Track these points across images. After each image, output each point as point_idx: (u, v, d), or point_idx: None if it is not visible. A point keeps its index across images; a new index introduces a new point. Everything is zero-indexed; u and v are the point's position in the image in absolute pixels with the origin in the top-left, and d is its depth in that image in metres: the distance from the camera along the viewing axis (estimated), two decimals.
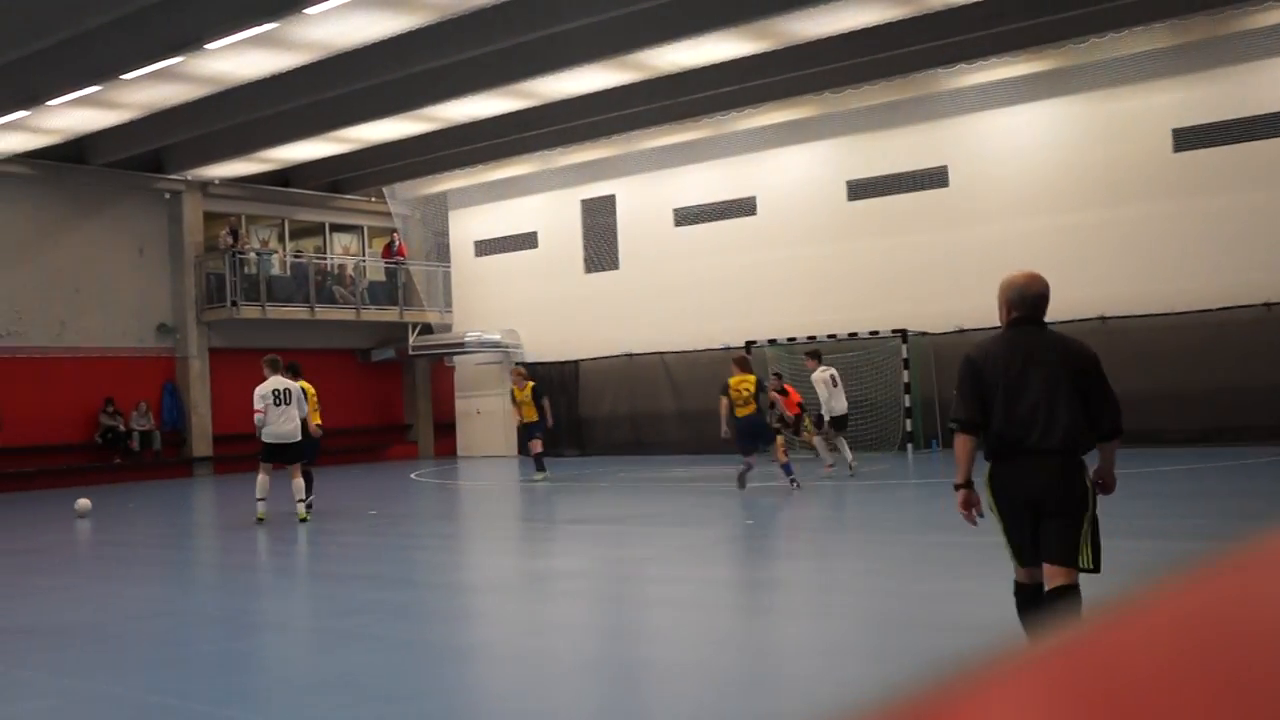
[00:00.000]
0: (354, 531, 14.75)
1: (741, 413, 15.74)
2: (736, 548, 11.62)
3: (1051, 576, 5.07)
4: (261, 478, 14.51)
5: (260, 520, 14.42)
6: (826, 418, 18.17)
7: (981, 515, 5.34)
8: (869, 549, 10.75)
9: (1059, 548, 5.03)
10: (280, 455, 14.53)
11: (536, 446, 20.02)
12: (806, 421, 22.38)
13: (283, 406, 14.34)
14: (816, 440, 18.46)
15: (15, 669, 6.93)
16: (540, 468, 20.06)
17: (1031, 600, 5.22)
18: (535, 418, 19.99)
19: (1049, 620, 4.91)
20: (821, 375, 18.20)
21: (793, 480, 15.74)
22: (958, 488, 5.33)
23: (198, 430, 26.90)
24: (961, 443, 5.28)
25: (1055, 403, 5.03)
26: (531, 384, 20.36)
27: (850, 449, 18.43)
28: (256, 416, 14.34)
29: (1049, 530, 5.05)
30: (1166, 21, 20.18)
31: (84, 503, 17.42)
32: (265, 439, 14.38)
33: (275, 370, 14.64)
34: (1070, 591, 5.00)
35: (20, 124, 21.99)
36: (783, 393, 20.15)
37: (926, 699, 0.54)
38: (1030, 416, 5.05)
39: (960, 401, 5.27)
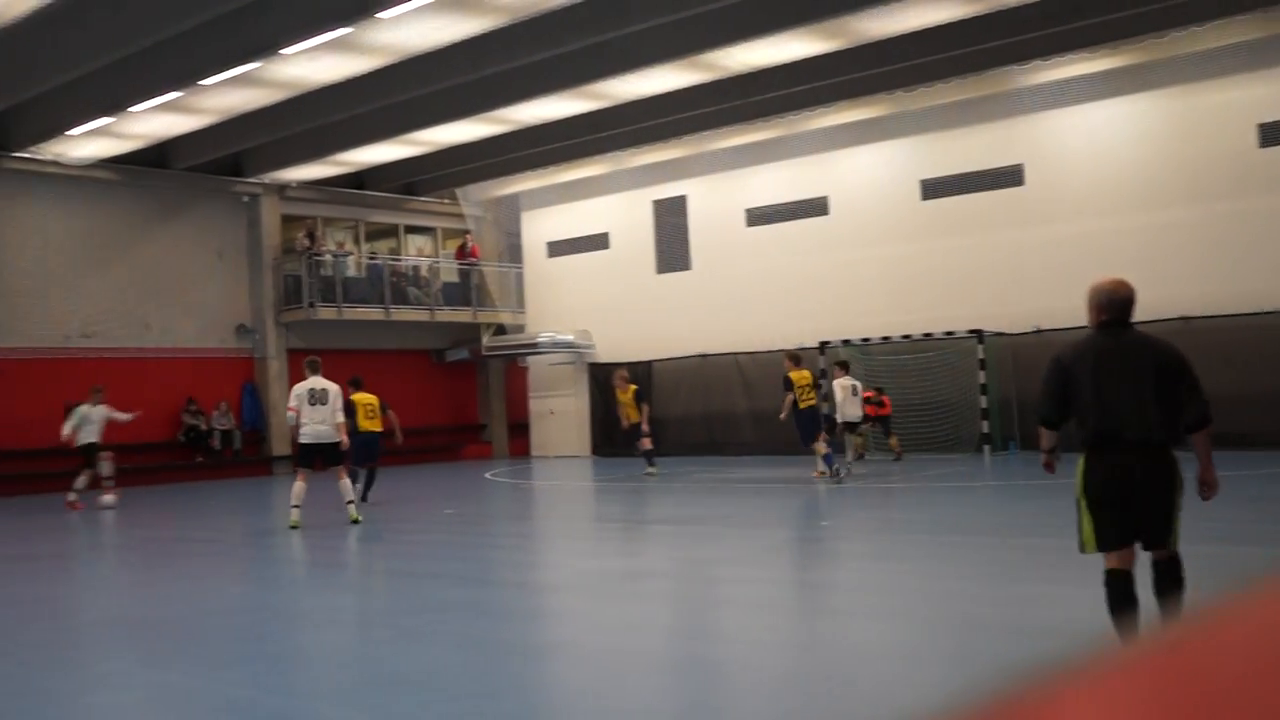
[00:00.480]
0: (430, 530, 14.90)
1: (804, 405, 17.21)
2: (813, 549, 11.56)
3: (1153, 554, 5.59)
4: (298, 484, 14.39)
5: (294, 527, 14.13)
6: (840, 421, 19.22)
7: (1056, 467, 6.02)
8: (946, 551, 10.64)
9: (1152, 531, 5.49)
10: (318, 457, 14.59)
11: (644, 444, 21.07)
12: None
13: (318, 406, 14.38)
14: (820, 446, 19.01)
15: (105, 660, 7.11)
16: (650, 463, 20.98)
17: (1124, 590, 5.53)
18: (639, 418, 21.02)
19: (1159, 589, 5.57)
20: (844, 383, 19.02)
21: (836, 471, 17.25)
22: (1044, 452, 6.04)
23: (277, 430, 27.30)
24: (1044, 434, 5.98)
25: (1144, 397, 5.44)
26: (634, 387, 21.44)
27: (853, 454, 20.10)
28: (289, 415, 14.65)
29: (1141, 516, 5.48)
30: (1250, 14, 19.71)
31: (108, 498, 19.20)
32: (302, 439, 14.49)
33: (315, 371, 14.80)
34: (1173, 561, 5.53)
35: (105, 130, 22.54)
36: (879, 404, 21.39)
37: (1008, 703, 0.54)
38: (1122, 410, 5.46)
39: (1043, 399, 5.79)
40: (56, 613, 9.29)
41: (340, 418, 14.54)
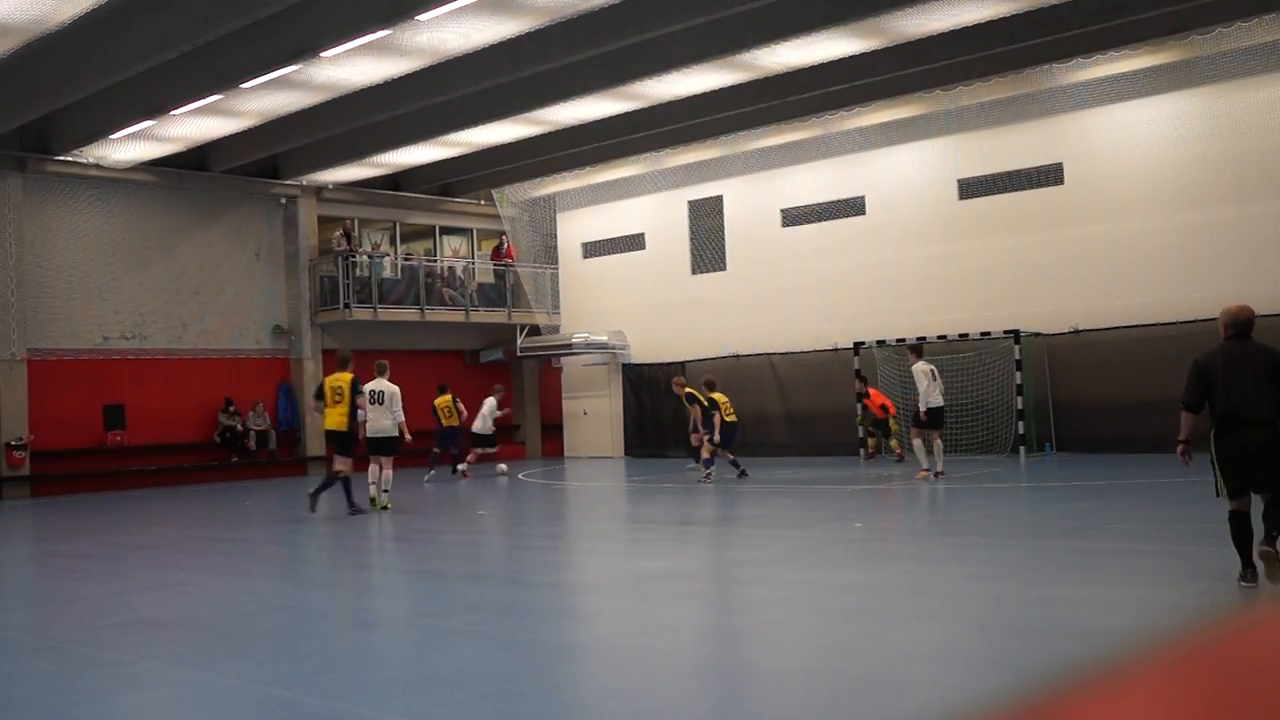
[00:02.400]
0: (463, 530, 14.95)
1: (729, 419, 19.77)
2: (844, 551, 11.48)
3: (1266, 498, 7.55)
4: (372, 468, 16.54)
5: (384, 508, 16.25)
6: (923, 409, 18.21)
7: (1190, 459, 7.91)
8: (979, 553, 10.55)
9: (1267, 483, 7.53)
10: (378, 449, 16.50)
11: (697, 441, 22.11)
12: (893, 425, 22.50)
13: (376, 405, 16.39)
14: (917, 443, 18.39)
15: (143, 659, 7.15)
16: (697, 460, 22.32)
17: (1242, 524, 7.61)
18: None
19: (1267, 518, 7.49)
20: (923, 368, 18.33)
21: (708, 476, 19.55)
22: (1179, 441, 7.96)
23: (311, 430, 27.48)
24: (1185, 418, 7.89)
25: (1260, 389, 7.51)
26: (688, 389, 22.26)
27: (942, 455, 18.55)
28: (359, 412, 16.15)
29: (1259, 473, 7.54)
30: None
31: (501, 466, 24.87)
32: (369, 434, 16.40)
33: (381, 374, 16.91)
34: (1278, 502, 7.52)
35: (146, 133, 22.74)
36: (865, 395, 21.41)
37: (1039, 704, 0.52)
38: (1244, 398, 7.51)
39: (1187, 390, 7.79)
40: (89, 611, 9.36)
41: (400, 416, 16.48)
